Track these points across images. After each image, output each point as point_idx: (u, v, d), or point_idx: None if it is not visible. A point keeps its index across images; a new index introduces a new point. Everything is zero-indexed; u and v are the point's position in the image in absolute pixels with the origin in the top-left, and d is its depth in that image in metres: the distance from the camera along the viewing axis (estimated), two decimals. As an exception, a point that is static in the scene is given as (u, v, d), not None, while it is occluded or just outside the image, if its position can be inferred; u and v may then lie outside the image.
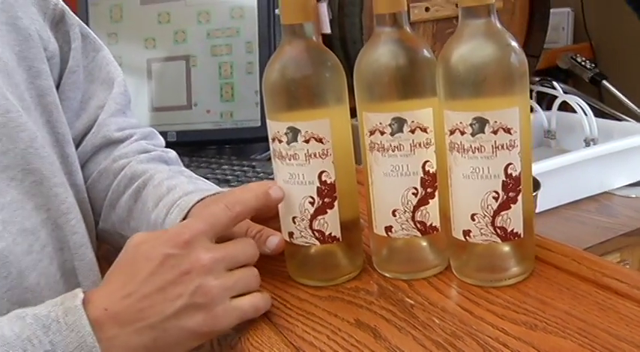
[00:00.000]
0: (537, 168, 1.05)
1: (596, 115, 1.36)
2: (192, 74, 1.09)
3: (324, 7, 1.47)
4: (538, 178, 0.93)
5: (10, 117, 0.58)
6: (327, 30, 1.52)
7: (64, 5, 0.72)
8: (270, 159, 0.63)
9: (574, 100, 1.37)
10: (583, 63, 1.68)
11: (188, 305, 0.49)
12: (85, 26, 0.75)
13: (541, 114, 1.47)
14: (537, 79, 1.62)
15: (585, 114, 1.33)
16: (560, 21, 1.93)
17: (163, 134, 0.84)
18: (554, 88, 1.50)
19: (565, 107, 1.44)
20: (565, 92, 1.47)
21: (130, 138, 0.76)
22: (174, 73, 1.09)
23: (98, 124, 0.74)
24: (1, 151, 0.57)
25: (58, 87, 0.69)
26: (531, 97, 1.53)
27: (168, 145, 0.82)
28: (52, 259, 0.60)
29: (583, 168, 1.16)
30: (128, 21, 1.12)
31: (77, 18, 0.74)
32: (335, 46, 1.63)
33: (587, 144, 1.31)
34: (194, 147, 1.13)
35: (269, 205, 0.58)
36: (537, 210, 1.03)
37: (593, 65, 1.67)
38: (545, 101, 1.59)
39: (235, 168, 1.00)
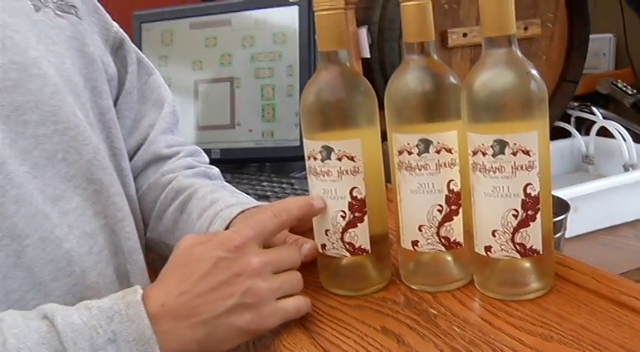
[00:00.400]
0: (573, 192, 1.06)
1: (637, 141, 1.36)
2: (236, 95, 1.15)
3: (363, 33, 1.52)
4: (573, 202, 0.94)
5: (78, 132, 0.64)
6: (367, 54, 1.56)
7: (123, 33, 0.79)
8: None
9: (613, 126, 1.37)
10: (624, 88, 1.68)
11: (238, 305, 0.54)
12: (140, 52, 0.82)
13: (579, 139, 1.48)
14: (576, 104, 1.63)
15: (624, 139, 1.34)
16: (601, 46, 1.94)
17: (208, 151, 0.90)
18: (593, 113, 1.50)
19: (605, 133, 1.44)
20: (605, 117, 1.47)
21: (177, 154, 0.82)
22: (219, 93, 1.16)
23: (149, 141, 0.80)
24: (69, 162, 0.63)
25: (115, 106, 0.76)
26: (569, 122, 1.54)
27: (212, 162, 0.87)
28: (108, 262, 0.66)
29: (621, 194, 1.16)
30: (178, 44, 1.19)
31: (134, 45, 0.80)
32: (374, 69, 1.68)
33: (626, 170, 1.32)
34: (236, 165, 1.18)
35: (311, 215, 0.62)
36: (572, 234, 1.05)
37: (635, 91, 1.67)
38: (584, 126, 1.60)
39: (274, 184, 1.04)
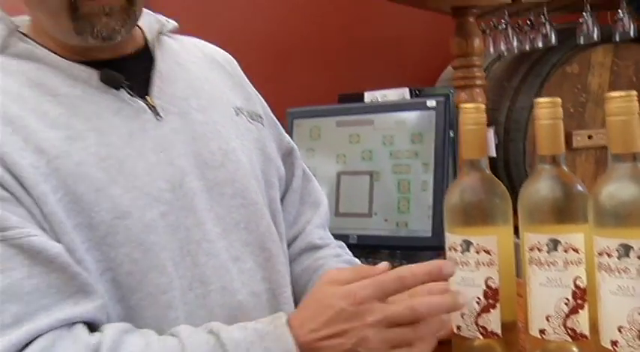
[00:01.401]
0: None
1: None
2: (374, 187, 1.28)
3: (491, 133, 1.62)
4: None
5: (257, 208, 0.81)
6: (493, 154, 1.65)
7: (293, 144, 0.98)
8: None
9: None
10: None
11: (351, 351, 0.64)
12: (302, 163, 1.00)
13: None
14: None
15: None
16: None
17: (345, 236, 1.03)
18: None
19: None
20: None
21: (328, 245, 0.96)
22: (359, 185, 1.29)
23: (305, 233, 0.96)
24: (249, 230, 0.80)
25: (281, 201, 0.92)
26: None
27: (349, 246, 1.00)
28: None
29: None
30: (324, 139, 1.35)
31: (300, 159, 0.99)
32: (498, 167, 1.76)
33: None
34: (369, 250, 1.30)
35: (439, 280, 0.70)
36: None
37: None
38: None
39: (406, 271, 1.14)
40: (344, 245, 1.00)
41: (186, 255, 0.74)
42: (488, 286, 0.69)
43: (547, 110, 0.69)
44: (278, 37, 2.02)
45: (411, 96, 1.57)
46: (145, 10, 0.81)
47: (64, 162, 0.68)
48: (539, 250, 0.67)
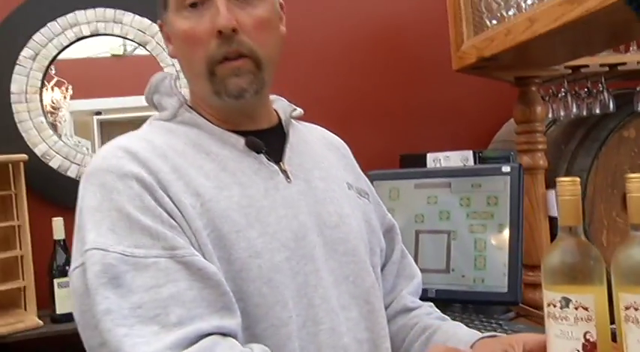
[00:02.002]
0: None
1: None
2: (452, 245, 1.37)
3: (552, 194, 1.70)
4: None
5: (364, 266, 0.93)
6: (554, 213, 1.73)
7: (395, 222, 1.11)
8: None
9: None
10: None
11: None
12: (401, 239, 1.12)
13: None
14: None
15: None
16: None
17: (424, 290, 1.12)
18: None
19: None
20: None
21: (420, 307, 1.07)
22: (437, 243, 1.39)
23: (400, 297, 1.07)
24: (356, 284, 0.91)
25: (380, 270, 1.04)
26: None
27: (428, 300, 1.10)
28: None
29: None
30: (403, 200, 1.46)
31: (400, 235, 1.11)
32: (557, 225, 1.83)
33: None
34: (444, 303, 1.38)
35: None
36: None
37: None
38: None
39: (485, 324, 1.23)
40: (432, 305, 1.09)
41: (304, 296, 0.85)
42: (586, 339, 0.78)
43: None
44: (340, 99, 2.16)
45: (474, 158, 1.68)
46: (280, 97, 1.00)
47: (213, 205, 0.82)
48: (636, 309, 0.77)
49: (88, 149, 2.08)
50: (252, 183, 0.87)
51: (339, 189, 0.97)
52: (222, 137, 0.90)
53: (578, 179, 0.82)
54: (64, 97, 2.08)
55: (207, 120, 0.92)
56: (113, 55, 2.13)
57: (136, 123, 2.23)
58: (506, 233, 1.32)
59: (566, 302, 0.79)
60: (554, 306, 0.80)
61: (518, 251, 1.29)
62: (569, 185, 0.81)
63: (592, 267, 0.80)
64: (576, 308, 0.79)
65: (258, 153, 0.90)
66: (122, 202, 0.78)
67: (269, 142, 0.92)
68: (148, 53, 2.03)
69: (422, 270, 1.40)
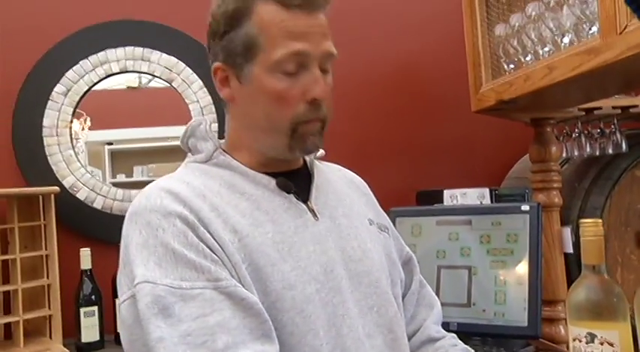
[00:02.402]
0: None
1: None
2: (472, 281, 1.42)
3: (567, 232, 1.75)
4: None
5: (387, 297, 0.99)
6: (569, 250, 1.78)
7: (412, 254, 1.17)
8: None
9: None
10: None
11: None
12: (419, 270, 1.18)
13: None
14: None
15: None
16: None
17: (446, 324, 1.17)
18: None
19: None
20: None
21: (444, 337, 1.12)
22: (458, 278, 1.44)
23: (423, 327, 1.12)
24: (380, 314, 0.97)
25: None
26: None
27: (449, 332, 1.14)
28: None
29: None
30: (425, 236, 1.52)
31: (418, 266, 1.17)
32: (571, 262, 1.88)
33: None
34: (465, 336, 1.42)
35: None
36: None
37: None
38: None
39: (507, 357, 1.27)
40: (455, 336, 1.14)
41: (332, 325, 0.90)
42: (611, 373, 0.83)
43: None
44: (358, 136, 2.22)
45: (491, 195, 1.74)
46: None
47: (250, 241, 0.89)
48: (580, 341, 0.82)
49: (99, 177, 2.12)
50: (283, 221, 0.94)
51: (362, 225, 1.04)
52: (254, 178, 0.97)
53: (600, 220, 0.88)
54: (82, 128, 2.15)
55: (240, 162, 0.99)
56: (129, 87, 2.19)
57: (145, 154, 2.30)
58: (525, 269, 1.36)
59: (592, 337, 0.84)
60: (580, 341, 0.85)
61: (537, 286, 1.34)
62: (591, 226, 0.87)
63: (616, 304, 0.85)
64: (602, 344, 0.84)
65: (288, 193, 0.97)
66: (167, 239, 0.85)
67: (296, 182, 0.99)
68: (162, 86, 2.11)
69: (443, 304, 1.45)
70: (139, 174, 2.20)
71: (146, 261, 0.84)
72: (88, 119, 2.14)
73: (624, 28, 1.06)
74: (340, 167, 1.18)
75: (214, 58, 0.98)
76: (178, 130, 2.25)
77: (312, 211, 0.98)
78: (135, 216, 0.89)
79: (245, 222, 0.90)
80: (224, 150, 1.01)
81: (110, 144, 2.20)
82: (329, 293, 0.91)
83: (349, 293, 0.94)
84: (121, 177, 2.17)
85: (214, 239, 0.86)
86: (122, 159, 2.20)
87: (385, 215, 1.16)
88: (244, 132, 1.00)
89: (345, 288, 0.94)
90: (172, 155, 2.07)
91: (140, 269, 0.83)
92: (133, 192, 2.04)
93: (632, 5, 0.78)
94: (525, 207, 1.41)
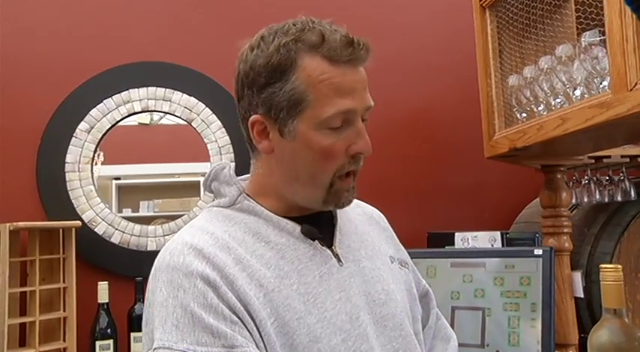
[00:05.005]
0: None
1: None
2: (486, 322, 1.46)
3: (578, 276, 1.78)
4: None
5: (411, 339, 1.02)
6: (580, 294, 1.81)
7: (429, 287, 1.21)
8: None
9: None
10: None
11: None
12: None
13: None
14: None
15: None
16: None
17: None
18: None
19: None
20: None
21: None
22: (472, 319, 1.47)
23: None
24: (395, 337, 0.99)
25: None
26: None
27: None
28: None
29: None
30: (440, 278, 1.55)
31: (435, 300, 1.20)
32: (581, 306, 1.91)
33: None
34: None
35: None
36: None
37: None
38: None
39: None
40: None
41: None
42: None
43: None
44: (370, 179, 2.25)
45: (502, 239, 1.78)
46: None
47: (276, 295, 0.90)
48: None
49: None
50: (308, 271, 0.94)
51: (383, 265, 1.06)
52: (279, 224, 0.97)
53: (620, 266, 0.92)
54: (95, 163, 2.20)
55: (264, 207, 0.99)
56: (140, 124, 2.25)
57: (151, 189, 2.33)
58: (538, 311, 1.40)
59: (613, 377, 0.88)
60: (602, 382, 0.89)
61: (550, 329, 1.38)
62: (612, 271, 0.92)
63: (636, 348, 0.89)
64: (622, 384, 0.87)
65: (313, 239, 0.98)
66: (187, 300, 0.86)
67: (320, 226, 1.00)
68: (172, 123, 2.18)
69: (459, 345, 1.49)
70: (144, 209, 2.25)
71: (164, 321, 0.85)
72: (102, 154, 2.19)
73: (634, 85, 1.12)
74: (359, 202, 1.17)
75: (251, 109, 0.95)
76: (185, 167, 2.35)
77: (336, 256, 0.99)
78: (158, 272, 0.90)
79: (270, 274, 0.91)
80: (248, 195, 1.01)
81: (118, 178, 2.25)
82: (356, 341, 0.93)
83: (375, 339, 0.96)
84: (127, 212, 2.21)
85: (238, 296, 0.87)
86: (129, 193, 2.24)
87: (404, 249, 1.18)
88: (278, 181, 0.98)
89: (370, 334, 0.95)
90: (178, 191, 2.15)
91: (158, 332, 0.85)
92: (137, 226, 2.08)
93: (631, 5, 0.79)
94: (538, 251, 1.45)
